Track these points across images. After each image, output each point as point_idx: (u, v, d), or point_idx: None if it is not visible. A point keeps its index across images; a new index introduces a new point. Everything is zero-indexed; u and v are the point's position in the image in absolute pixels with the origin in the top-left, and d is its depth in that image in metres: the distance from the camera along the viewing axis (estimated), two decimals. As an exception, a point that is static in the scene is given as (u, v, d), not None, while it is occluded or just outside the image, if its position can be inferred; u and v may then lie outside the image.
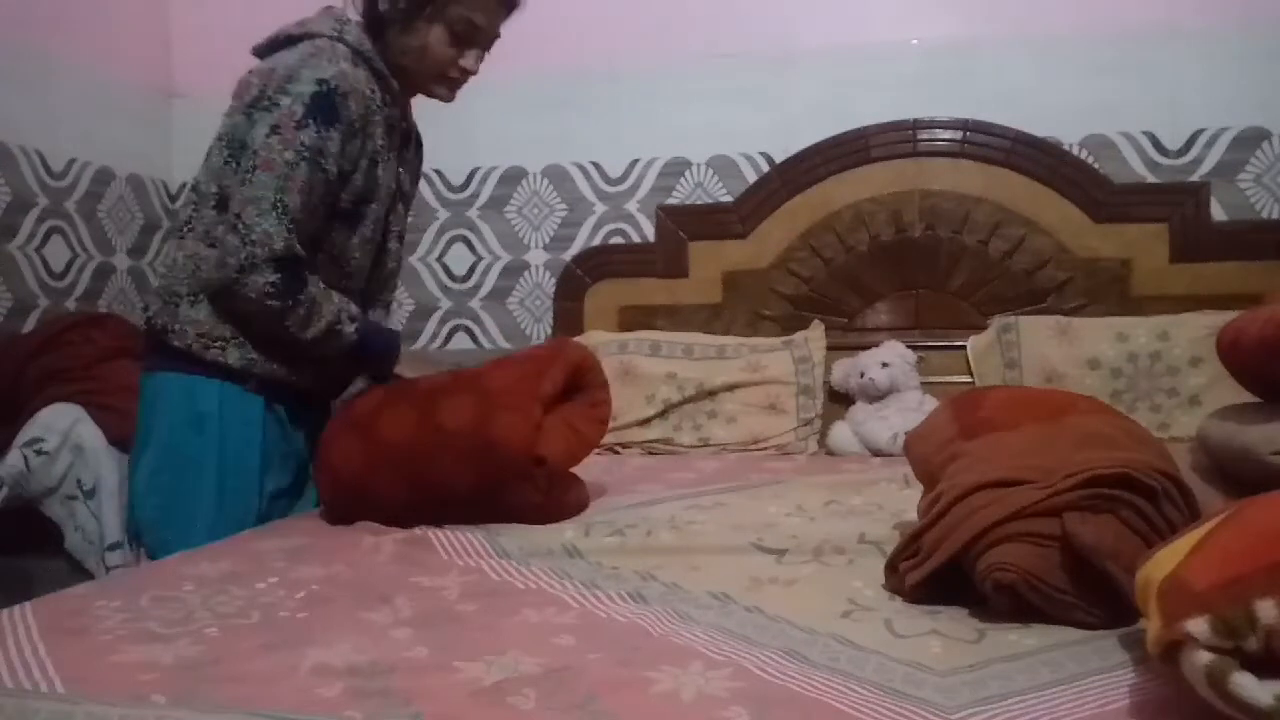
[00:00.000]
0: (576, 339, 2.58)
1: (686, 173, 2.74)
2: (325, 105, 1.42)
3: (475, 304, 2.88)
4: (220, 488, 1.53)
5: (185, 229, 1.53)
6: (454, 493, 1.42)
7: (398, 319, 2.94)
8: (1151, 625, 0.67)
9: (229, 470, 1.53)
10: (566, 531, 1.37)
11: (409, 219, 1.77)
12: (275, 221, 1.41)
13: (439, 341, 2.90)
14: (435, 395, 1.48)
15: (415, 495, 1.43)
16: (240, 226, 1.42)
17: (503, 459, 1.40)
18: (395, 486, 1.44)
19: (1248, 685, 0.58)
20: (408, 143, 1.68)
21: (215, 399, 1.53)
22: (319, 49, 1.46)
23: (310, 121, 1.42)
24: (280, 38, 1.52)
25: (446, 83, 1.58)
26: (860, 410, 2.32)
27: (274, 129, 1.42)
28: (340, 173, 1.48)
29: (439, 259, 2.90)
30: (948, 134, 2.53)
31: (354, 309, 1.55)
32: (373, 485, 1.45)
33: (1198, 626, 0.61)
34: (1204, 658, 0.60)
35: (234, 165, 1.47)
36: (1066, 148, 2.50)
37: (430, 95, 1.60)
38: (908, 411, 2.19)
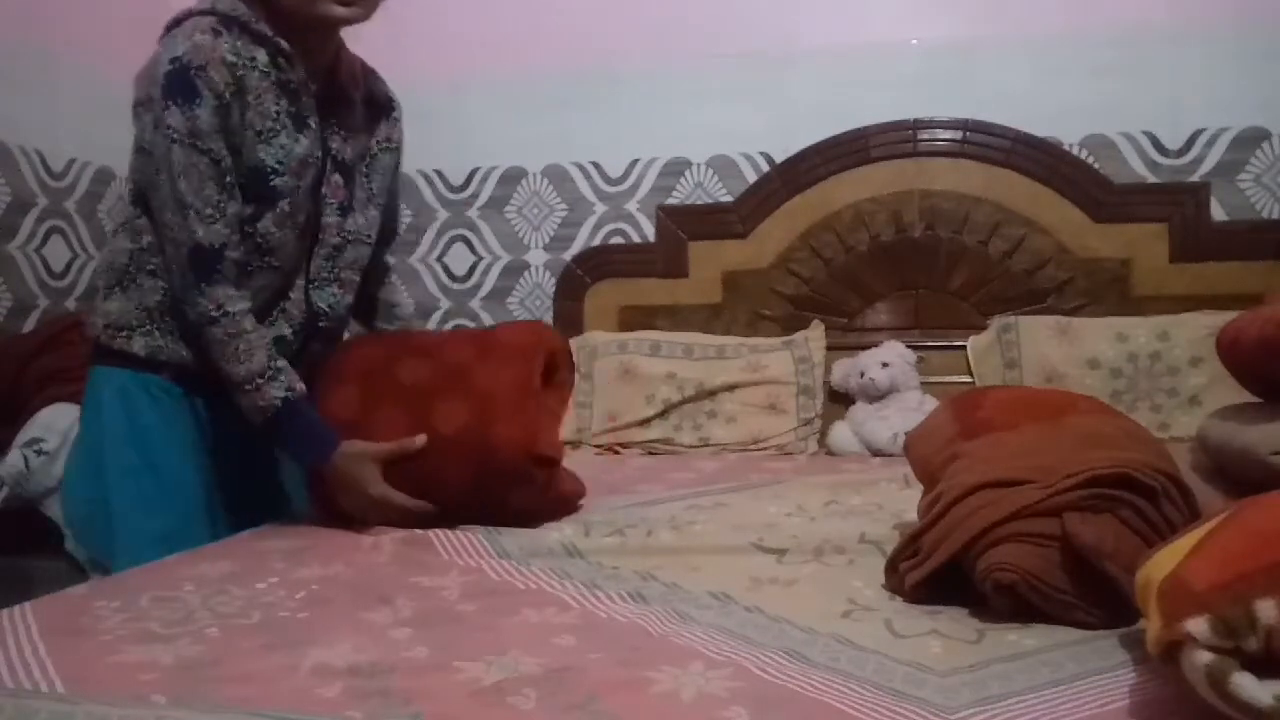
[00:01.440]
0: (576, 339, 2.59)
1: (686, 173, 2.74)
2: (180, 83, 1.35)
3: (475, 304, 2.88)
4: (138, 483, 1.45)
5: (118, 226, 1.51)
6: (453, 496, 1.41)
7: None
8: (1151, 625, 0.66)
9: (142, 467, 1.45)
10: (566, 531, 1.37)
11: (370, 192, 1.59)
12: (180, 215, 1.37)
13: (439, 341, 2.90)
14: (426, 397, 1.43)
15: (426, 489, 1.42)
16: (168, 231, 1.39)
17: (503, 462, 1.39)
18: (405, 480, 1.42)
19: (1247, 685, 0.58)
20: (341, 107, 1.53)
21: (122, 391, 1.47)
22: (181, 29, 1.39)
23: (172, 104, 1.35)
24: (171, 23, 1.44)
25: None
26: (860, 410, 2.32)
27: (155, 124, 1.37)
28: (232, 148, 1.39)
29: (439, 259, 2.90)
30: (948, 134, 2.53)
31: (299, 384, 1.43)
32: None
33: (1198, 626, 0.61)
34: (1204, 658, 0.60)
35: (140, 162, 1.43)
36: (1066, 148, 2.50)
37: (330, 20, 1.42)
38: (908, 411, 2.19)
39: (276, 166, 1.43)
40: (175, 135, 1.35)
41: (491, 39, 2.79)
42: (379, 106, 1.62)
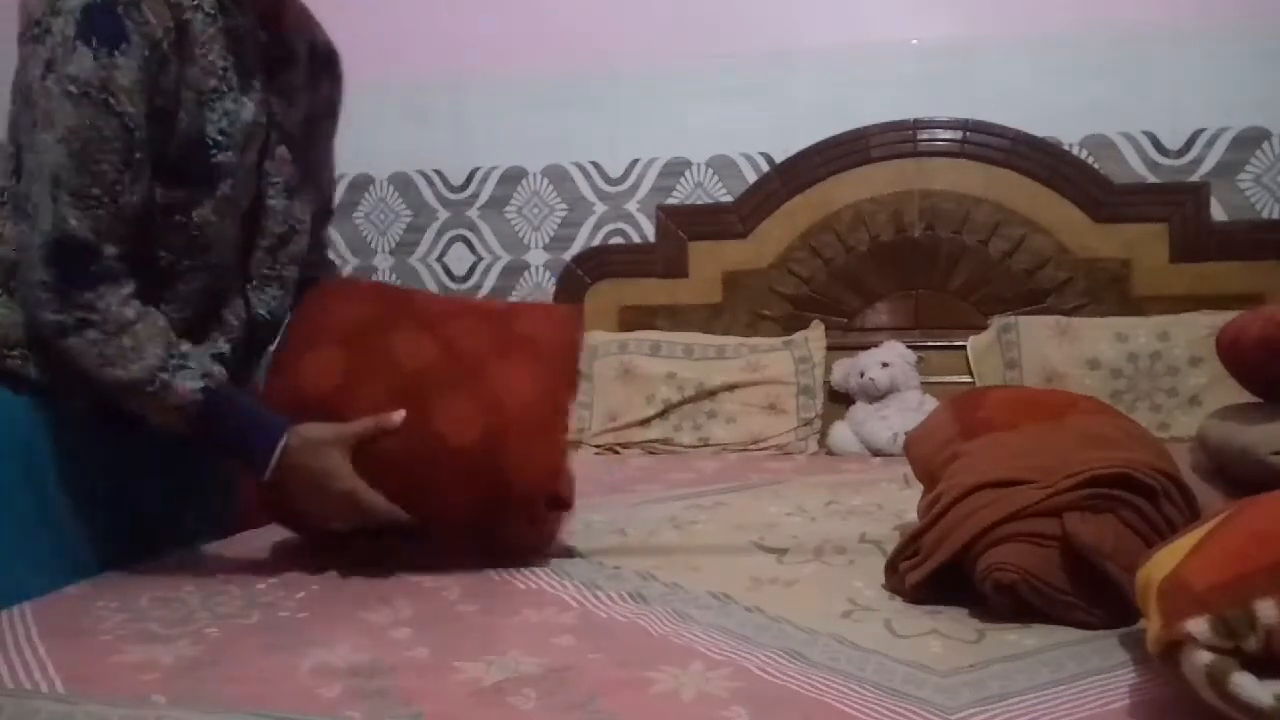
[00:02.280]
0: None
1: (686, 173, 2.74)
2: (103, 20, 1.02)
3: (475, 304, 2.88)
4: (19, 526, 1.17)
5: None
6: (447, 521, 1.18)
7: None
8: (1151, 625, 0.66)
9: (31, 506, 1.17)
10: (567, 532, 1.37)
11: (309, 168, 1.31)
12: (48, 195, 1.03)
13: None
14: (426, 387, 1.13)
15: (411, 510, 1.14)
16: (29, 207, 1.06)
17: (517, 498, 1.15)
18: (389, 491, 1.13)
19: (1248, 685, 0.58)
20: (285, 61, 1.25)
21: (18, 418, 1.17)
22: None
23: (83, 45, 1.02)
24: None
25: None
26: (860, 410, 2.32)
27: (48, 66, 1.03)
28: (156, 111, 1.07)
29: (439, 259, 2.90)
30: (948, 134, 2.53)
31: (214, 367, 1.13)
32: None
33: (1198, 626, 0.61)
34: (1204, 658, 0.60)
35: (22, 117, 1.10)
36: (1066, 148, 2.50)
37: None
38: (908, 411, 2.19)
39: (219, 138, 1.14)
40: (78, 87, 1.02)
41: (492, 39, 2.79)
42: (319, 60, 1.33)
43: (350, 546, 1.19)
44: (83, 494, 1.21)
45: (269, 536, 1.39)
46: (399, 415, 1.11)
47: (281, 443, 1.10)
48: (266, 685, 0.80)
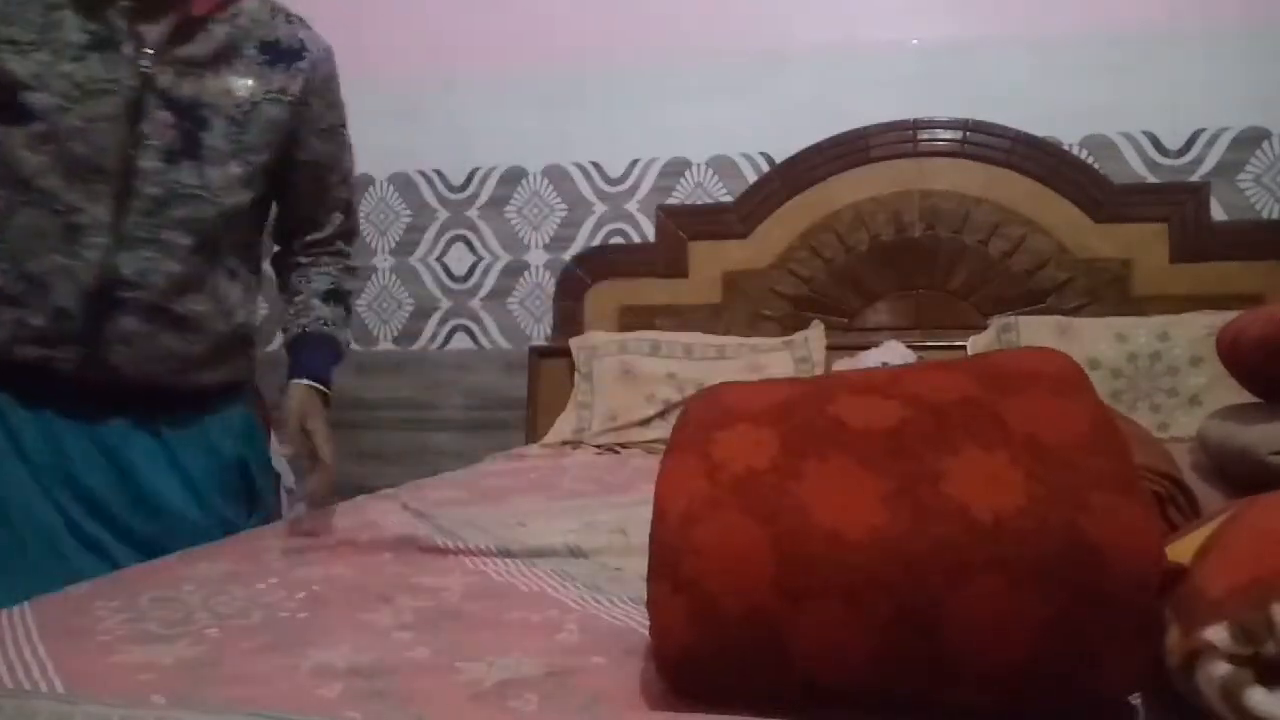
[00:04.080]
0: (576, 340, 2.59)
1: (686, 173, 2.74)
2: None
3: (475, 304, 2.88)
4: (47, 539, 1.20)
5: None
6: (988, 655, 0.64)
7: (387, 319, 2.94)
8: (1169, 635, 0.65)
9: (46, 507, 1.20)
10: (569, 532, 1.37)
11: (240, 145, 1.33)
12: None
13: (438, 342, 2.90)
14: (904, 443, 0.71)
15: (894, 669, 0.66)
16: None
17: (1111, 593, 0.63)
18: (852, 641, 0.66)
19: (1262, 701, 0.57)
20: (186, 36, 1.29)
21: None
22: None
23: None
24: None
25: None
26: (860, 410, 2.31)
27: None
28: None
29: (439, 259, 2.90)
30: (948, 134, 2.53)
31: None
32: (788, 632, 0.67)
33: (1218, 634, 0.59)
34: (1221, 669, 0.58)
35: None
36: (1066, 148, 2.50)
37: None
38: (908, 411, 2.19)
39: (33, 82, 1.22)
40: None
41: (491, 38, 2.80)
42: (280, 52, 1.37)
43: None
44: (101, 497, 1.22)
45: (269, 536, 1.39)
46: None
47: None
48: (266, 685, 0.80)
